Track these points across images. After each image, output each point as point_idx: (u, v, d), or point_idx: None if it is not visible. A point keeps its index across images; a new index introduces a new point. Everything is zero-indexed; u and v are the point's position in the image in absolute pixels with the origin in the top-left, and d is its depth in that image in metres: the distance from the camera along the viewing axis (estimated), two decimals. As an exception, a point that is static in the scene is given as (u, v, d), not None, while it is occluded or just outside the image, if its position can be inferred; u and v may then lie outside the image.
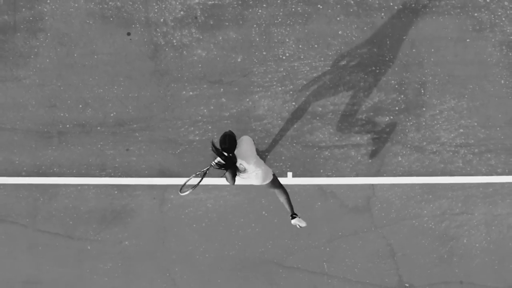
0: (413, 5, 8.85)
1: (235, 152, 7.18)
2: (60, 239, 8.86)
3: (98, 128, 8.89)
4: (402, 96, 8.80)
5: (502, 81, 8.77)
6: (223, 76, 8.87)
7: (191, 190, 7.50)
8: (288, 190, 8.61)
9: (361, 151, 8.78)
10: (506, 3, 8.81)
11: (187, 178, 7.75)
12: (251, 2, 8.92)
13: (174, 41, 8.93)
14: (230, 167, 7.13)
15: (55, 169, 8.89)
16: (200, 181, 7.56)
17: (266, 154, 8.83)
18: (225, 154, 7.07)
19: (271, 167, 8.76)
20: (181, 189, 7.64)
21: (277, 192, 7.81)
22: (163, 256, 8.80)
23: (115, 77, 8.93)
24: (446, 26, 8.82)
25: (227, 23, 8.90)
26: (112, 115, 8.90)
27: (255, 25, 8.90)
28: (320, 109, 8.83)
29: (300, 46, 8.87)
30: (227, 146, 7.01)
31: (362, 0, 8.88)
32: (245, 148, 7.26)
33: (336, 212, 8.76)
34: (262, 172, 7.47)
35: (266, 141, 8.81)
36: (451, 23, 8.82)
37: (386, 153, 8.77)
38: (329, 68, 8.85)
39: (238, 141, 7.28)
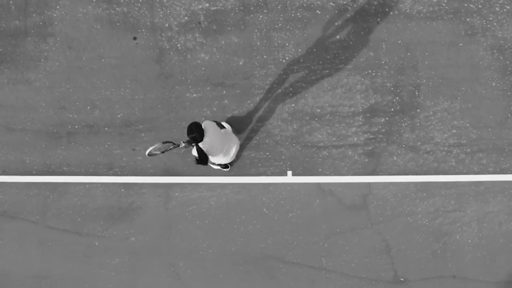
0: (408, 11, 8.93)
1: (207, 138, 7.49)
2: (69, 235, 8.92)
3: (106, 128, 8.98)
4: (397, 98, 8.87)
5: (493, 84, 8.84)
6: (225, 79, 8.95)
7: (159, 154, 7.75)
8: (288, 188, 8.65)
9: (358, 150, 8.84)
10: (497, 9, 8.89)
11: (156, 145, 7.77)
12: (252, 8, 9.00)
13: (179, 45, 9.01)
14: (203, 160, 7.56)
15: (64, 168, 8.97)
16: (167, 150, 7.78)
17: (267, 154, 8.88)
18: (199, 146, 7.47)
19: (271, 167, 8.85)
20: (149, 152, 7.73)
21: None
22: (168, 252, 8.85)
23: (121, 80, 9.01)
24: (440, 31, 8.91)
25: (229, 28, 8.98)
26: (119, 116, 8.98)
27: (256, 30, 8.98)
28: (319, 110, 8.90)
29: (300, 50, 8.95)
30: (195, 135, 7.33)
31: (359, 6, 8.96)
32: (213, 131, 7.56)
33: (334, 210, 8.80)
34: (237, 145, 7.97)
35: (267, 141, 8.89)
36: (444, 28, 8.90)
37: (382, 153, 8.83)
38: (327, 71, 8.91)
39: (203, 128, 7.55)
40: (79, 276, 8.90)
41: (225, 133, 7.86)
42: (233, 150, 7.94)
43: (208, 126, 7.54)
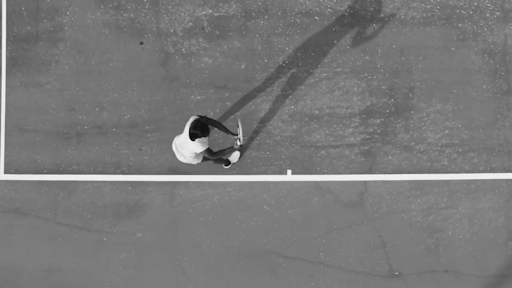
0: (402, 17, 9.05)
1: (200, 141, 7.62)
2: (78, 231, 8.97)
3: (114, 129, 9.07)
4: (392, 100, 8.97)
5: (484, 86, 8.94)
6: (228, 82, 9.03)
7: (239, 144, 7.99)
8: (287, 187, 8.77)
9: (354, 150, 8.93)
10: (487, 15, 9.02)
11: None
12: (253, 14, 9.10)
13: (183, 49, 9.11)
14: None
15: (74, 167, 9.05)
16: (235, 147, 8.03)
17: (268, 153, 8.95)
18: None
19: (271, 166, 8.93)
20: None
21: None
22: (173, 247, 8.89)
23: (129, 83, 9.10)
24: (433, 36, 9.02)
25: (231, 33, 9.09)
26: (126, 117, 9.08)
27: (257, 35, 9.09)
28: (317, 112, 8.99)
29: (299, 54, 9.05)
30: (197, 132, 7.35)
31: (356, 12, 9.07)
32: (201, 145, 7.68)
33: (331, 207, 8.86)
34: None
35: (267, 142, 8.97)
36: (437, 33, 9.02)
37: (377, 152, 8.93)
38: (325, 74, 9.01)
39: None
40: (88, 270, 8.93)
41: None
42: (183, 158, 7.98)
43: (204, 143, 7.64)
